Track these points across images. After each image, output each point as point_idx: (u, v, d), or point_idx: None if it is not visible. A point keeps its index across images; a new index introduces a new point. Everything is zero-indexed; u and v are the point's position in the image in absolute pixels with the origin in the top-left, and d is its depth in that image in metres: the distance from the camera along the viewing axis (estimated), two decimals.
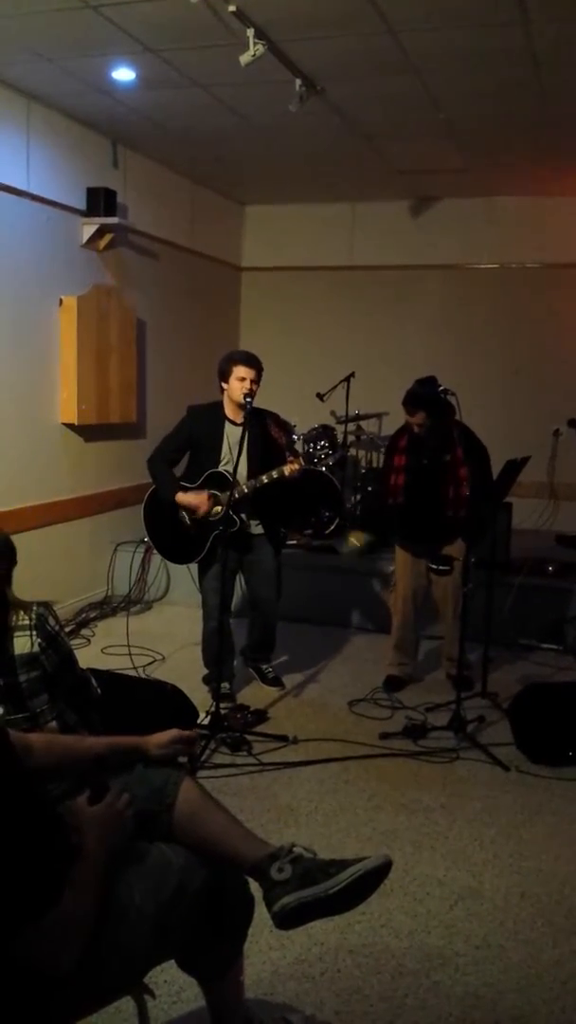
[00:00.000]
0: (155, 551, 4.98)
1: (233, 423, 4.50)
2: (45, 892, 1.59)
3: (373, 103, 5.23)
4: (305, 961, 2.68)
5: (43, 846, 1.61)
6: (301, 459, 4.40)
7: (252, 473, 4.40)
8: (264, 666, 4.97)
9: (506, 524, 5.91)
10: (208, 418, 4.56)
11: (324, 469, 6.77)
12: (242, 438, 4.21)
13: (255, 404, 4.40)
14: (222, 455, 4.49)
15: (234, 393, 4.42)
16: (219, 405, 4.55)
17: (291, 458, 4.37)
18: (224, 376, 4.46)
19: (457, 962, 2.70)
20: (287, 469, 4.31)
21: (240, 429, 4.32)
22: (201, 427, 4.56)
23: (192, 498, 4.47)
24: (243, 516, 4.50)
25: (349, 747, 4.18)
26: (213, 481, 4.49)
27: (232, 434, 4.44)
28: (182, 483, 4.53)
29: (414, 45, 4.35)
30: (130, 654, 5.11)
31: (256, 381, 4.42)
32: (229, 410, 4.52)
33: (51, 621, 2.52)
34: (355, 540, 6.21)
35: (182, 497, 4.48)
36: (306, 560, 6.32)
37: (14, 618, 2.48)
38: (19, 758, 1.68)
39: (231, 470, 4.39)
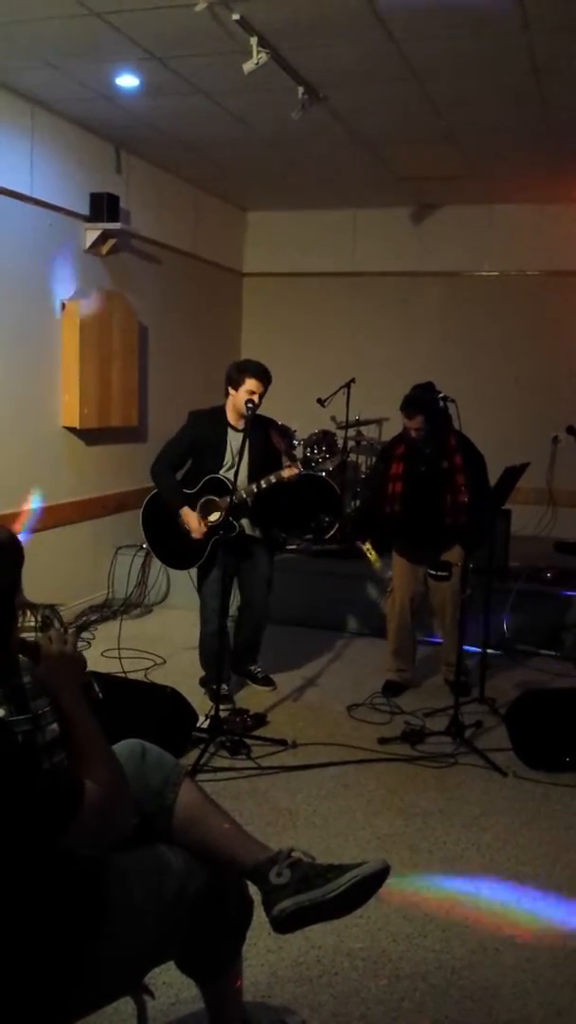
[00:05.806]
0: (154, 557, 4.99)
1: (235, 429, 4.52)
2: (70, 792, 1.72)
3: (375, 110, 5.26)
4: (303, 964, 2.70)
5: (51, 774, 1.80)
6: (299, 464, 4.44)
7: (252, 479, 4.43)
8: (253, 667, 5.00)
9: (505, 530, 5.93)
10: (211, 424, 4.58)
11: (324, 474, 6.79)
12: (243, 444, 4.23)
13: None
14: (225, 461, 4.52)
15: (239, 403, 4.45)
16: (221, 410, 4.58)
17: (288, 463, 4.39)
18: (234, 384, 4.48)
19: (453, 965, 2.71)
20: (285, 473, 4.35)
21: (242, 435, 4.34)
22: (204, 433, 4.58)
23: (192, 522, 4.50)
24: (243, 522, 4.52)
25: (348, 751, 4.20)
26: (211, 486, 4.52)
27: (235, 440, 4.46)
28: (184, 489, 4.56)
29: (415, 53, 4.38)
30: (121, 657, 5.09)
31: (263, 395, 4.46)
32: (231, 416, 4.54)
33: (56, 624, 2.54)
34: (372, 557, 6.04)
35: (186, 513, 4.51)
36: (305, 565, 6.33)
37: (21, 619, 2.50)
38: (15, 736, 1.83)
39: (232, 476, 4.42)
